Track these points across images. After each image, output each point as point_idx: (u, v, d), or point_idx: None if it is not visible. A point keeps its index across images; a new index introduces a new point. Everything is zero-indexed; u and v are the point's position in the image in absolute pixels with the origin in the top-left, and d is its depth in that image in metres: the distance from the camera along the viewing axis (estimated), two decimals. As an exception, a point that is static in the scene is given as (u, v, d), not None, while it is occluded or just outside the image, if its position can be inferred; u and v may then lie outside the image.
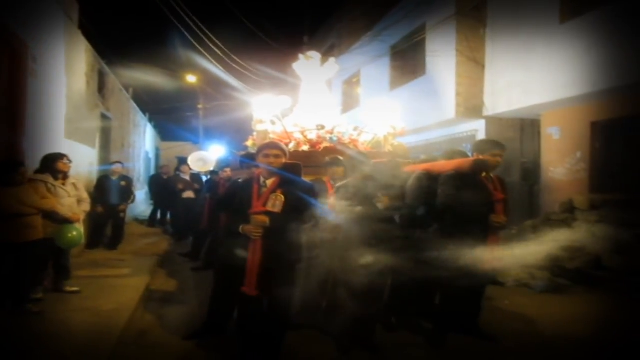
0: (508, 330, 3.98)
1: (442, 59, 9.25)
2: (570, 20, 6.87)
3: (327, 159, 4.12)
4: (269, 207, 3.04)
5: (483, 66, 8.58)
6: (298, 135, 5.36)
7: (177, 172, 9.44)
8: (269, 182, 3.14)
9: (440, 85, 9.35)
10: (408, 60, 11.11)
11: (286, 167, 3.23)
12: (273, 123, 5.35)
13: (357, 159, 3.83)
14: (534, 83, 7.42)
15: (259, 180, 3.18)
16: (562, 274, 5.62)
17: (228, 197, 3.39)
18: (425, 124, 9.93)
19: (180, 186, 8.83)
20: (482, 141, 4.21)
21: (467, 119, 9.15)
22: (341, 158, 4.12)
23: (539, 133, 8.27)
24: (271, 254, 3.01)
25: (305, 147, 5.22)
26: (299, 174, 3.52)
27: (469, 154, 4.25)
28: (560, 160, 7.66)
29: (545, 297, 5.11)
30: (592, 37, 6.48)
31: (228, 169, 6.65)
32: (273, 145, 3.24)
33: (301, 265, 3.45)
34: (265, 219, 2.99)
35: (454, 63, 8.91)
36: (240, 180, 3.41)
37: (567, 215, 6.83)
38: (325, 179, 4.09)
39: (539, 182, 8.23)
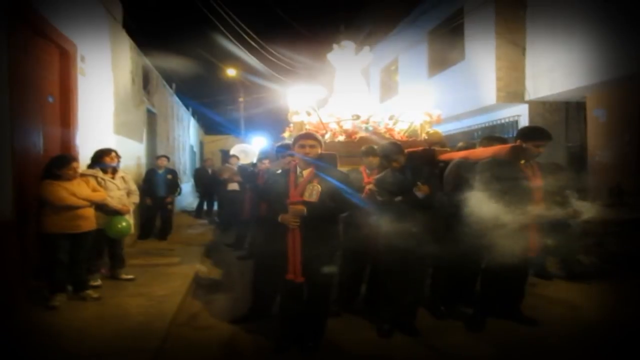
0: (551, 316, 3.95)
1: (481, 43, 9.00)
2: (616, -6, 6.48)
3: (363, 148, 4.17)
4: (306, 197, 3.12)
5: (524, 49, 8.30)
6: (334, 126, 5.42)
7: (226, 164, 9.73)
8: (305, 172, 3.22)
9: (479, 70, 9.10)
10: (446, 46, 10.84)
11: (322, 157, 3.31)
12: (309, 114, 5.44)
13: (392, 149, 3.85)
14: (577, 64, 7.09)
15: (295, 170, 3.27)
16: (610, 260, 5.45)
17: (266, 188, 3.51)
18: (465, 110, 9.73)
19: (225, 175, 9.07)
20: (527, 128, 4.13)
21: (509, 104, 8.87)
22: (376, 147, 4.16)
23: (585, 116, 7.94)
24: (309, 242, 3.10)
25: (341, 138, 5.29)
26: (334, 163, 3.59)
27: (506, 140, 4.19)
28: (607, 143, 7.34)
29: (592, 284, 4.98)
30: (640, 12, 6.09)
31: (266, 160, 6.80)
32: (308, 136, 3.32)
33: (339, 252, 3.55)
34: (303, 208, 3.07)
35: (493, 47, 8.62)
36: (278, 171, 3.52)
37: (615, 199, 6.58)
38: (361, 168, 4.15)
39: (586, 167, 7.93)
